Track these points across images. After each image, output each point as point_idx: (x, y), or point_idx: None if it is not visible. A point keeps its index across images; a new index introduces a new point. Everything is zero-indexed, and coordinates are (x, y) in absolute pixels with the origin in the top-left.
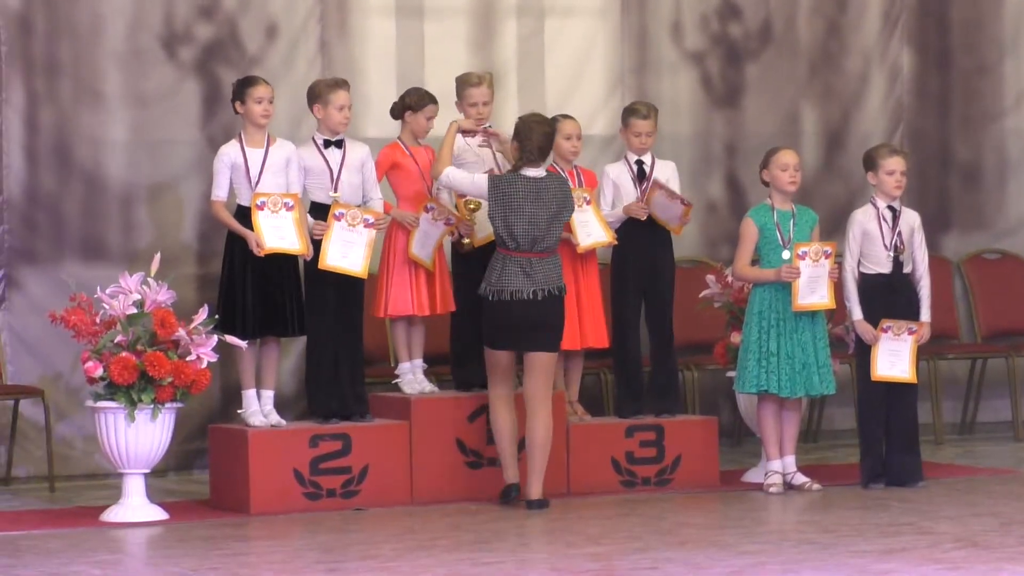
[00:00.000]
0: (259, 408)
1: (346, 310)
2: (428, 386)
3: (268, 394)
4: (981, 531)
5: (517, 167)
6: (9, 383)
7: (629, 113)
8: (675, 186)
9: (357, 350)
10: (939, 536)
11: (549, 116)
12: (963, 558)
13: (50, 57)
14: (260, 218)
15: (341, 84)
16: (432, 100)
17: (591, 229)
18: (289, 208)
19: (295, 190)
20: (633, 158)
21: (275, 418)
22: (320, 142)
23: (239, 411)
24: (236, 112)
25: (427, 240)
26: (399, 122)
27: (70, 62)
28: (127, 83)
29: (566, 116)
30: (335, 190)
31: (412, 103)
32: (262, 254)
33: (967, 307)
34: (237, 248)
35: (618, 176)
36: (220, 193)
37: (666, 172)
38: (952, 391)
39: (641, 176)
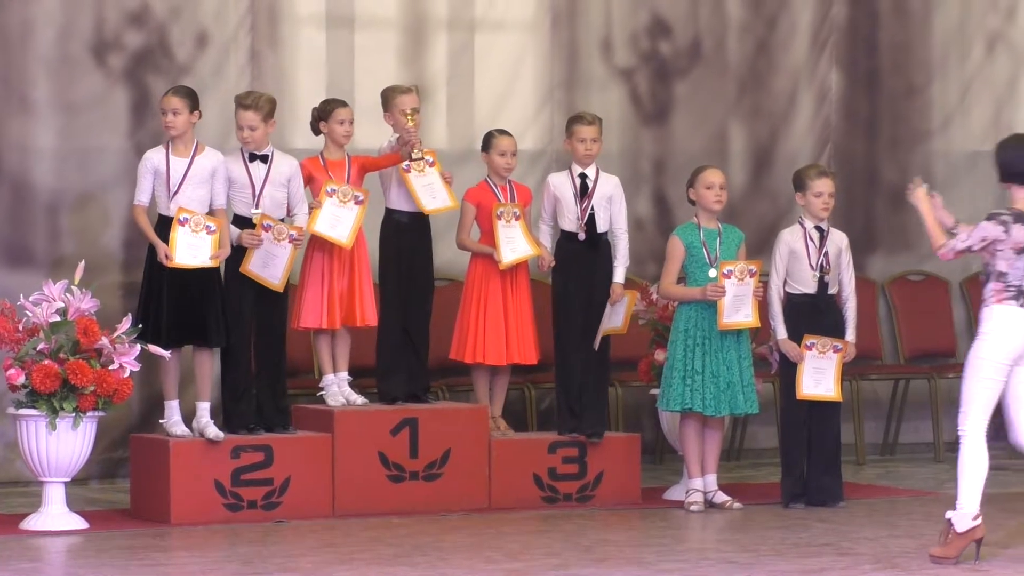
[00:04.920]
0: (180, 418)
1: (266, 321)
2: (355, 397)
3: (204, 405)
4: (900, 553)
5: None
6: None
7: (574, 121)
8: (619, 202)
9: (278, 362)
10: (858, 557)
11: (478, 131)
12: None
13: None
14: (179, 233)
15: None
16: (340, 104)
17: (516, 244)
18: (211, 232)
19: (219, 202)
20: (577, 170)
21: (212, 431)
22: (246, 155)
23: (161, 421)
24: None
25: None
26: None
27: None
28: (56, 90)
29: (502, 132)
30: (256, 206)
31: (319, 112)
32: (170, 266)
33: (891, 328)
34: (156, 256)
35: (559, 187)
36: (142, 198)
37: (608, 188)
38: (874, 411)
39: (584, 191)
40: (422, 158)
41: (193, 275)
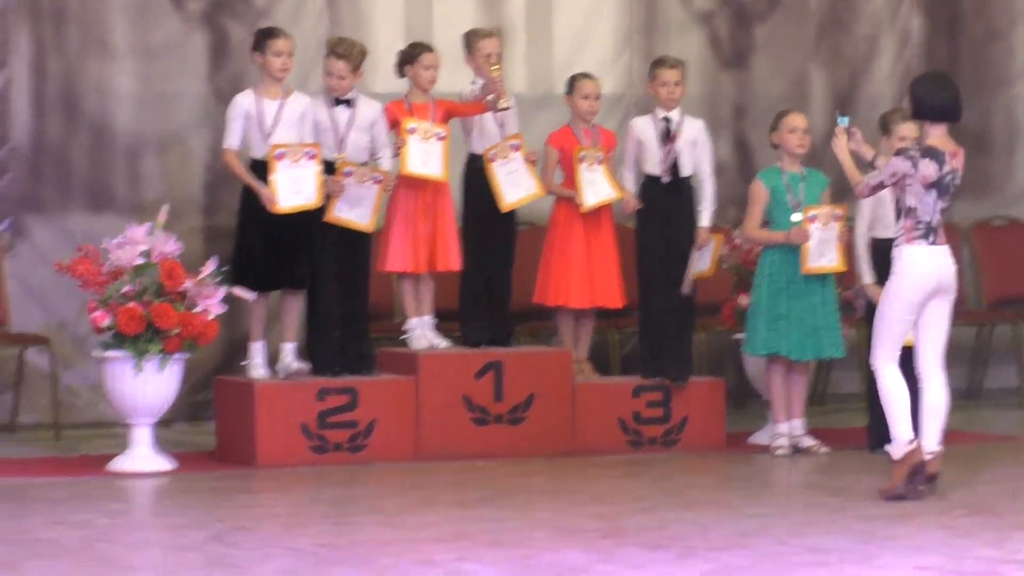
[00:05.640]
0: (263, 361)
1: (349, 265)
2: (440, 341)
3: (289, 347)
4: (990, 497)
5: None
6: (14, 331)
7: (657, 64)
8: (704, 145)
9: (362, 305)
10: (948, 502)
11: (557, 75)
12: (973, 524)
13: (57, 6)
14: (278, 171)
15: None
16: (426, 48)
17: (599, 188)
18: (311, 157)
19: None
20: (660, 114)
21: (296, 365)
22: (329, 100)
23: (243, 362)
24: (254, 62)
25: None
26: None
27: (77, 12)
28: (134, 34)
29: (586, 75)
30: (340, 150)
31: (406, 56)
32: (275, 211)
33: (974, 274)
34: (252, 199)
35: (642, 131)
36: (233, 142)
37: (693, 131)
38: (958, 358)
39: (667, 134)
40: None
41: (289, 220)
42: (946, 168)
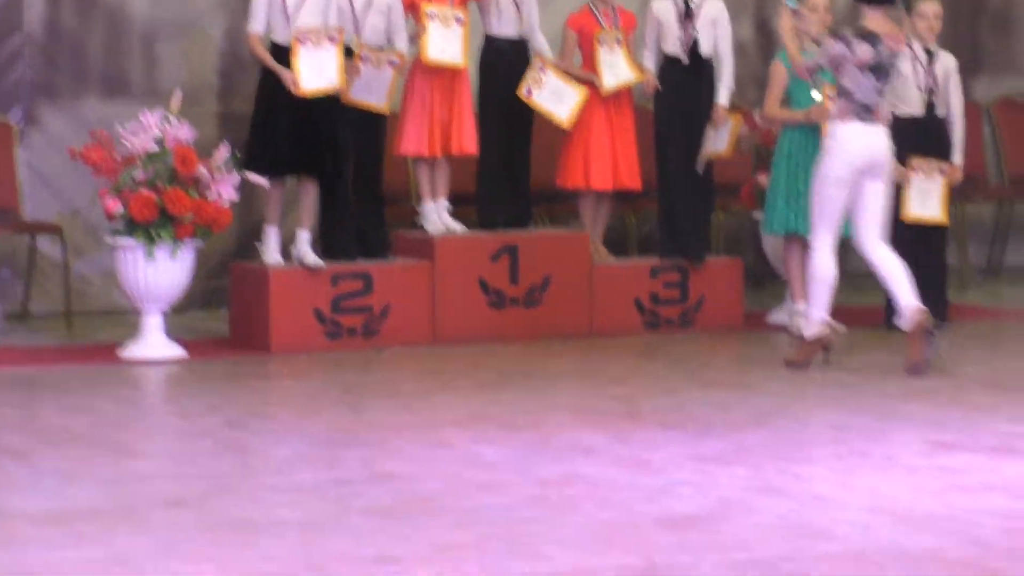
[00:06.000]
0: (278, 246)
1: (364, 149)
2: (454, 225)
3: (304, 234)
4: (1007, 373)
5: None
6: (27, 219)
7: None
8: (724, 25)
9: (377, 189)
10: (964, 378)
11: None
12: (989, 400)
13: None
14: (301, 54)
15: None
16: None
17: (619, 70)
18: (333, 41)
19: (333, 26)
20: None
21: (312, 258)
22: None
23: (257, 243)
24: None
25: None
26: None
27: None
28: None
29: None
30: (358, 33)
31: None
32: (299, 94)
33: (995, 150)
34: (271, 84)
35: (662, 12)
36: (257, 27)
37: (713, 10)
38: (979, 234)
39: (687, 14)
40: None
41: (305, 106)
42: (883, 50)
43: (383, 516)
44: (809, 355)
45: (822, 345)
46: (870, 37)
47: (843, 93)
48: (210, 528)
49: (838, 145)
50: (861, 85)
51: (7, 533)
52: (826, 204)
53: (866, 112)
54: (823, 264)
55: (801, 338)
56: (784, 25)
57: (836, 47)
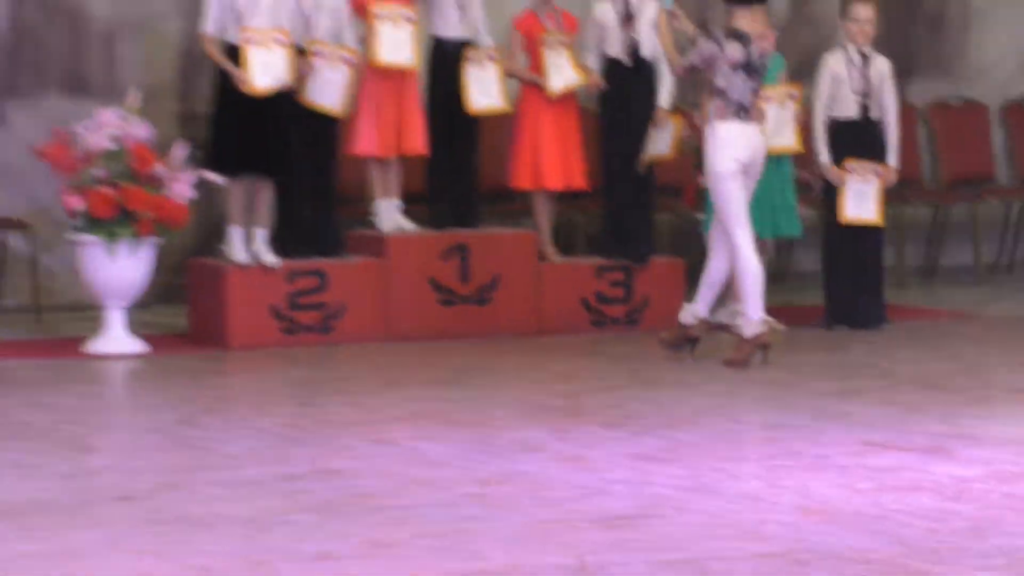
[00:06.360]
0: (243, 245)
1: (318, 149)
2: (407, 224)
3: (261, 231)
4: (941, 374)
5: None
6: None
7: None
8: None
9: (330, 189)
10: (898, 378)
11: None
12: (922, 400)
13: None
14: (251, 54)
15: None
16: None
17: (565, 72)
18: (279, 43)
19: (284, 27)
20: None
21: (269, 257)
22: None
23: (221, 246)
24: None
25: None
26: None
27: None
28: None
29: None
30: (308, 32)
31: None
32: (248, 91)
33: (931, 154)
34: (227, 84)
35: (604, 14)
36: (210, 27)
37: (652, 12)
38: (916, 235)
39: (629, 17)
40: None
41: (263, 104)
42: (753, 49)
43: (325, 513)
44: (748, 354)
45: (761, 343)
46: (740, 37)
47: (718, 92)
48: (156, 523)
49: (720, 142)
50: (734, 84)
51: None
52: (730, 201)
53: (743, 111)
54: (750, 263)
55: (741, 338)
56: (661, 40)
57: (707, 47)
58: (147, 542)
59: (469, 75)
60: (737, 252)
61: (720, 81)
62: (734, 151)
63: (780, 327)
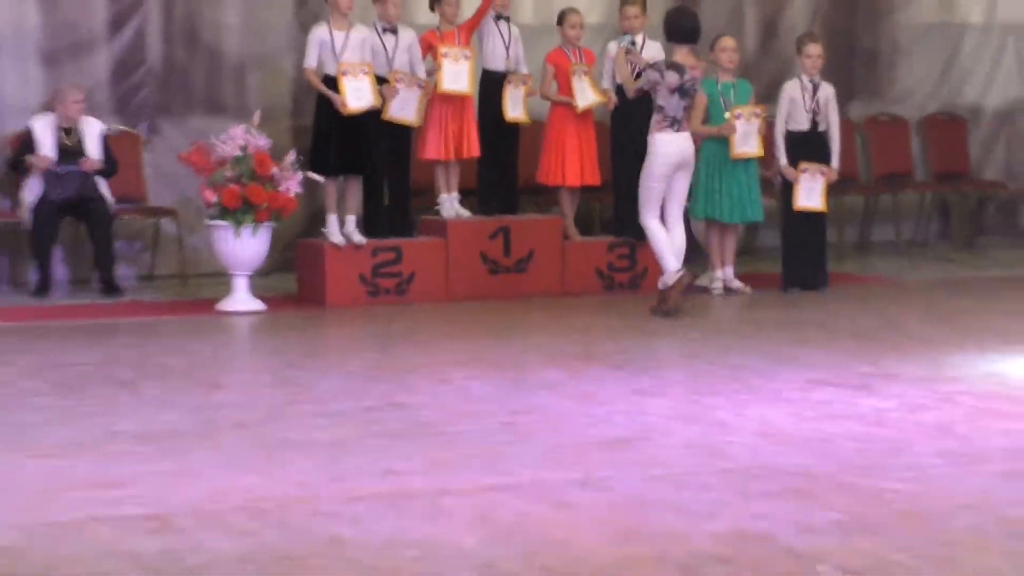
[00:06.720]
0: (339, 229)
1: (397, 154)
2: (463, 212)
3: (351, 217)
4: (870, 327)
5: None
6: (151, 205)
7: (624, 2)
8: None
9: (405, 184)
10: (837, 331)
11: (555, 8)
12: (856, 348)
13: None
14: (346, 83)
15: None
16: None
17: (587, 94)
18: (365, 73)
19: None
20: (627, 38)
21: (357, 237)
22: (379, 28)
23: (322, 229)
24: (327, 1)
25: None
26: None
27: None
28: None
29: (572, 9)
30: (390, 66)
31: None
32: (346, 112)
33: (864, 156)
34: (325, 105)
35: (615, 52)
36: (311, 62)
37: (653, 51)
38: (852, 219)
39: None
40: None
41: (352, 122)
42: (687, 77)
43: (392, 438)
44: (674, 299)
45: (682, 286)
46: (678, 67)
47: (658, 109)
48: (263, 446)
49: (657, 148)
50: (671, 103)
51: (109, 448)
52: (652, 193)
53: (676, 123)
54: (659, 233)
55: (667, 288)
56: (618, 59)
57: (652, 75)
58: (255, 462)
59: (506, 93)
60: (648, 228)
61: (660, 100)
62: (667, 157)
63: (747, 290)
